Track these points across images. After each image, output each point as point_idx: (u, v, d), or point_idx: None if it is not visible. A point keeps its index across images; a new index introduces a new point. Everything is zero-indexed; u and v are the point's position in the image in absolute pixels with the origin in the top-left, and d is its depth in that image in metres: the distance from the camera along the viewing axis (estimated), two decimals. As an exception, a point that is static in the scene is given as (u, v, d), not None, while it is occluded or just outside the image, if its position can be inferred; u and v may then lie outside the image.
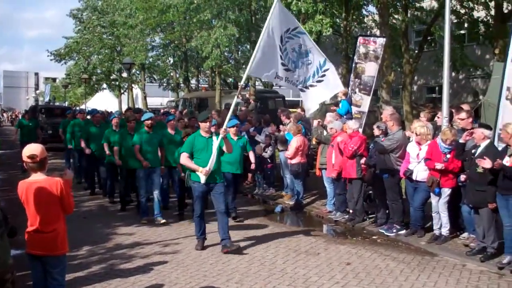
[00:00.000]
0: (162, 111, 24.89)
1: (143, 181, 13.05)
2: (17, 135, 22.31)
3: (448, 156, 10.43)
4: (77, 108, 36.89)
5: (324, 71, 11.51)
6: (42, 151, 6.20)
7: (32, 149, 6.16)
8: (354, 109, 16.55)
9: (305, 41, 11.39)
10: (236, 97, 11.73)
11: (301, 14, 24.03)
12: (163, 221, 12.68)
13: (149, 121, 13.26)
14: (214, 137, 10.35)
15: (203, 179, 10.08)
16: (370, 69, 17.29)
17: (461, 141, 10.23)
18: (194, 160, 10.27)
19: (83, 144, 17.00)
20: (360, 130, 14.38)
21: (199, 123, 10.67)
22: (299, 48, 11.26)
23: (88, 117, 19.39)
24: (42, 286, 6.27)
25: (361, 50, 17.50)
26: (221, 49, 30.70)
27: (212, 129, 11.34)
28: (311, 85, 11.42)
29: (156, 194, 12.92)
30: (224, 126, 10.55)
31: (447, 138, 10.49)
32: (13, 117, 77.92)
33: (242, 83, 14.64)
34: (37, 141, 18.85)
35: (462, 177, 10.28)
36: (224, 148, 10.27)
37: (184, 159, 10.38)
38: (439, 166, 10.44)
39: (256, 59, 10.67)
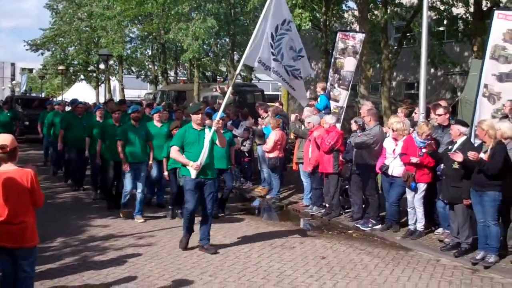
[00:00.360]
0: (144, 103, 23.56)
1: (128, 175, 12.29)
2: None
3: (424, 150, 10.46)
4: (55, 99, 35.88)
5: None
6: (13, 141, 6.11)
7: (2, 139, 6.07)
8: (332, 104, 16.54)
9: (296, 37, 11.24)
10: (228, 91, 11.26)
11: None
12: (141, 220, 12.09)
13: (136, 114, 12.60)
14: (207, 130, 9.82)
15: (193, 174, 9.59)
16: (348, 65, 17.27)
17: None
18: (185, 154, 9.79)
19: (60, 137, 16.41)
20: (339, 125, 14.40)
21: (191, 115, 10.13)
22: (292, 43, 11.10)
23: (68, 108, 19.20)
24: (11, 278, 6.17)
25: (340, 45, 17.46)
26: (199, 42, 30.54)
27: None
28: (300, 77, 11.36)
29: (139, 190, 12.33)
30: (217, 118, 9.90)
31: (423, 132, 10.52)
32: None
33: (237, 72, 13.66)
34: (14, 133, 18.77)
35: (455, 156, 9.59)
36: (217, 141, 9.77)
37: (174, 152, 9.88)
38: (414, 160, 10.48)
39: (251, 47, 10.33)
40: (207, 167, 9.78)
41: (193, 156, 9.65)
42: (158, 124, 13.43)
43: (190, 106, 11.31)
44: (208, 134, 9.75)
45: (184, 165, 9.79)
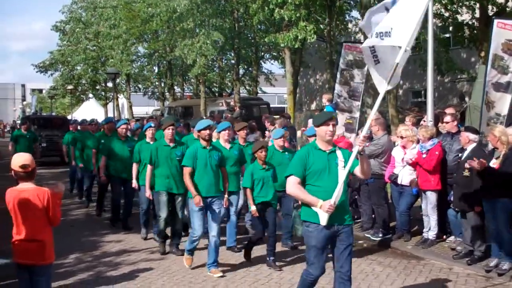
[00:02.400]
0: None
1: (199, 213, 9.36)
2: (12, 149, 19.29)
3: (424, 156, 10.51)
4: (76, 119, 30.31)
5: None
6: (33, 160, 6.24)
7: (24, 159, 6.19)
8: (345, 115, 16.55)
9: None
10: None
11: (284, 22, 24.09)
12: (219, 274, 9.22)
13: (207, 131, 9.51)
14: (339, 152, 6.80)
15: (324, 219, 6.49)
16: (357, 76, 17.33)
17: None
18: (306, 188, 6.71)
19: (102, 164, 13.49)
20: (353, 136, 14.41)
21: (317, 128, 6.83)
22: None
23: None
24: None
25: (347, 57, 17.51)
26: (207, 56, 30.71)
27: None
28: None
29: (214, 233, 9.37)
30: (363, 133, 6.78)
31: (427, 132, 10.58)
32: (1, 127, 77.14)
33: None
34: (35, 156, 16.04)
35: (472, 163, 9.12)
36: (358, 170, 6.76)
37: (294, 187, 6.66)
38: (410, 158, 10.69)
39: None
40: (343, 208, 6.68)
41: (321, 191, 6.57)
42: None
43: (317, 116, 7.39)
44: (341, 158, 6.75)
45: (306, 205, 6.68)
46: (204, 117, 23.89)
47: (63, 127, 28.39)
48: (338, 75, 17.53)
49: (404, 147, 11.22)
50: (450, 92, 34.06)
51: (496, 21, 11.77)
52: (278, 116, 18.60)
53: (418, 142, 11.00)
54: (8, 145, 20.92)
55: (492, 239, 9.32)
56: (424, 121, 12.59)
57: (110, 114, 43.76)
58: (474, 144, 9.83)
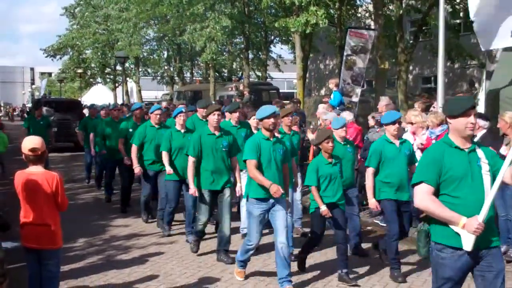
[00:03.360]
0: (163, 104, 20.30)
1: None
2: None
3: (434, 141, 10.49)
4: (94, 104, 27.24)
5: None
6: (43, 143, 6.22)
7: (34, 142, 6.17)
8: (346, 100, 16.59)
9: None
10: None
11: (294, 6, 23.96)
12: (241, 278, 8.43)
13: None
14: (480, 151, 5.17)
15: (469, 243, 4.82)
16: (360, 62, 17.46)
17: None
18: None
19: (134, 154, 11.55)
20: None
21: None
22: None
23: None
24: (37, 278, 6.27)
25: (351, 42, 17.61)
26: (216, 42, 30.69)
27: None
28: None
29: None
30: None
31: (437, 118, 10.55)
32: (10, 111, 77.23)
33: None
34: (49, 143, 16.45)
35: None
36: (508, 177, 5.10)
37: (427, 200, 4.98)
38: (420, 143, 10.66)
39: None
40: (489, 227, 4.98)
41: (461, 204, 4.95)
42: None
43: (453, 102, 5.29)
44: (484, 159, 5.12)
45: (441, 222, 4.98)
46: (213, 102, 23.87)
47: (76, 111, 27.95)
48: (344, 61, 17.63)
49: (414, 133, 11.19)
50: (460, 78, 33.96)
51: None
52: (288, 101, 18.61)
53: (427, 128, 10.97)
54: (20, 130, 20.01)
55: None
56: (434, 107, 12.56)
57: (119, 99, 43.86)
58: (484, 131, 9.78)
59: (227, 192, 9.09)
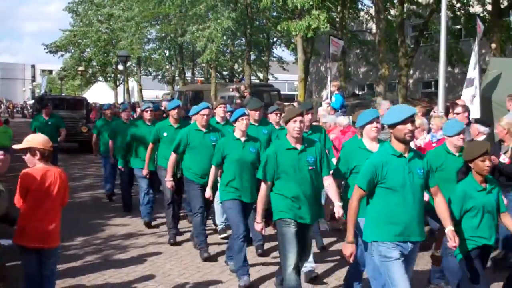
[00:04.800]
0: (164, 103, 19.09)
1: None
2: None
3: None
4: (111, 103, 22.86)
5: None
6: (46, 140, 6.12)
7: (46, 139, 6.10)
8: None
9: None
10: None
11: (297, 10, 24.03)
12: None
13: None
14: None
15: None
16: (334, 68, 18.27)
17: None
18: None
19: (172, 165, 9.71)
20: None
21: None
22: None
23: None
24: (37, 277, 6.22)
25: (331, 50, 18.40)
26: (216, 42, 30.71)
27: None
28: None
29: None
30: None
31: (441, 121, 10.53)
32: (10, 108, 76.76)
33: None
34: (60, 145, 15.59)
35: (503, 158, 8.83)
36: None
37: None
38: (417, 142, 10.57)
39: None
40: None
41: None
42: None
43: None
44: None
45: None
46: (214, 103, 23.88)
47: (82, 110, 26.92)
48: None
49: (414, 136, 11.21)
50: (460, 83, 33.96)
51: None
52: (288, 104, 18.64)
53: (428, 132, 11.00)
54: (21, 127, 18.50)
55: (501, 233, 9.20)
56: (434, 111, 12.59)
57: (120, 98, 43.89)
58: (484, 137, 9.79)
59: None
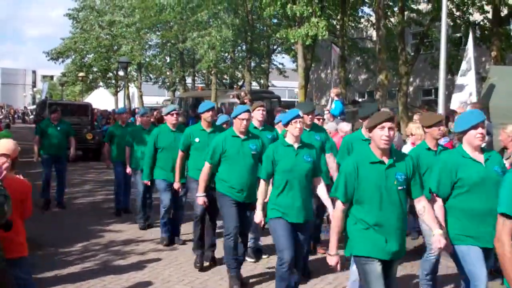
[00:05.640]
0: (163, 110, 15.86)
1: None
2: (37, 147, 14.08)
3: None
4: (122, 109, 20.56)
5: None
6: (16, 148, 5.90)
7: (16, 144, 5.88)
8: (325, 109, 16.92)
9: None
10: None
11: (296, 18, 24.08)
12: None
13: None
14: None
15: None
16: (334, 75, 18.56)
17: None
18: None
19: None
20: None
21: None
22: None
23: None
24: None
25: (333, 57, 18.68)
26: (216, 50, 30.79)
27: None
28: None
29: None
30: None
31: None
32: (11, 113, 76.69)
33: None
34: (68, 156, 14.54)
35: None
36: None
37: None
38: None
39: None
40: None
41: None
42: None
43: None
44: None
45: None
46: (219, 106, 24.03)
47: (87, 116, 26.40)
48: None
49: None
50: (460, 91, 34.03)
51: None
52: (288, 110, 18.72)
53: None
54: (33, 138, 15.64)
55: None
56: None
57: (121, 103, 43.92)
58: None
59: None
